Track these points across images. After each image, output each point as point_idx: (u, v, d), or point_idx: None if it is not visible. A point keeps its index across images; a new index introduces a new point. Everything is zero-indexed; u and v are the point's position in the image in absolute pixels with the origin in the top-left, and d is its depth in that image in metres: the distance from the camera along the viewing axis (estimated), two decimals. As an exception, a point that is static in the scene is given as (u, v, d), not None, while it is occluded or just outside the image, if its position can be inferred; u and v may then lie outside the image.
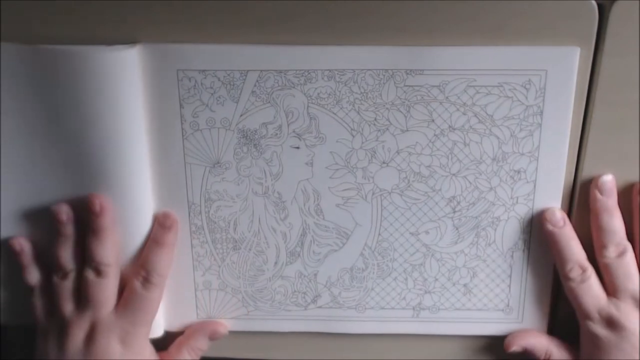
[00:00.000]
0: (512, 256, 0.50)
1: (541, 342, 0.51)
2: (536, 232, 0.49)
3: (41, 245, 0.50)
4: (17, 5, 0.44)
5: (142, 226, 0.49)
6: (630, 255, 0.48)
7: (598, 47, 0.44)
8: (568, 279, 0.48)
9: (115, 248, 0.49)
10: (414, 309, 0.52)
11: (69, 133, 0.46)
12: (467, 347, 0.54)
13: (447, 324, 0.53)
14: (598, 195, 0.47)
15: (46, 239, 0.50)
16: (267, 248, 0.51)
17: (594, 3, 0.42)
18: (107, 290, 0.49)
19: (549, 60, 0.44)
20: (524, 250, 0.50)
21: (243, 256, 0.51)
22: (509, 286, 0.51)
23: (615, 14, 0.43)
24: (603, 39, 0.43)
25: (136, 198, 0.48)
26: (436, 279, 0.51)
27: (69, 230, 0.49)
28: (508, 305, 0.52)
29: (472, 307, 0.52)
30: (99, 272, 0.48)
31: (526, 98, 0.46)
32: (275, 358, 0.55)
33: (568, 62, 0.44)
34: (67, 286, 0.49)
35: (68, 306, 0.49)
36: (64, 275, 0.49)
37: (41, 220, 0.49)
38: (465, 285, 0.51)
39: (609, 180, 0.47)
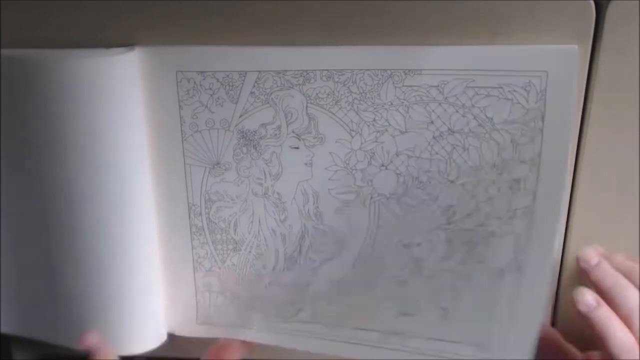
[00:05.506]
0: (503, 278, 0.47)
1: None
2: (533, 252, 0.46)
3: None
4: (13, 8, 0.45)
5: (143, 228, 0.50)
6: None
7: (595, 45, 0.44)
8: None
9: None
10: (383, 333, 0.50)
11: (68, 137, 0.46)
12: None
13: (414, 355, 0.50)
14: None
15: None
16: (266, 250, 0.51)
17: (591, 1, 0.42)
18: None
19: (548, 60, 0.44)
20: (516, 272, 0.47)
21: (243, 258, 0.51)
22: (493, 314, 0.48)
23: (612, 12, 0.42)
24: (600, 38, 0.43)
25: (136, 200, 0.49)
26: (417, 299, 0.49)
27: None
28: (488, 339, 0.49)
29: (445, 338, 0.49)
30: None
31: (527, 101, 0.45)
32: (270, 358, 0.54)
33: (567, 61, 0.44)
34: None
35: None
36: None
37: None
38: (444, 308, 0.49)
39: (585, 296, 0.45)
